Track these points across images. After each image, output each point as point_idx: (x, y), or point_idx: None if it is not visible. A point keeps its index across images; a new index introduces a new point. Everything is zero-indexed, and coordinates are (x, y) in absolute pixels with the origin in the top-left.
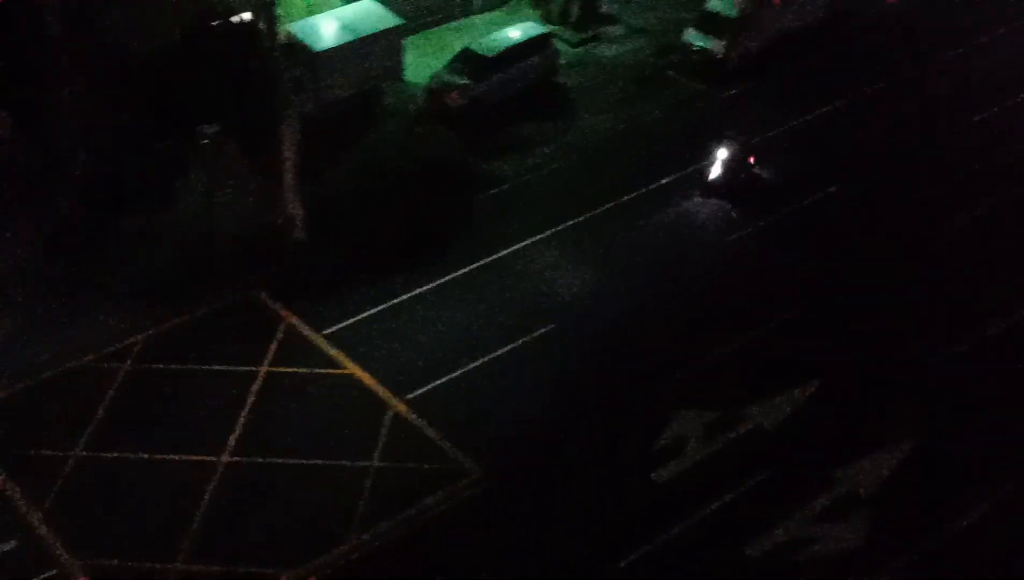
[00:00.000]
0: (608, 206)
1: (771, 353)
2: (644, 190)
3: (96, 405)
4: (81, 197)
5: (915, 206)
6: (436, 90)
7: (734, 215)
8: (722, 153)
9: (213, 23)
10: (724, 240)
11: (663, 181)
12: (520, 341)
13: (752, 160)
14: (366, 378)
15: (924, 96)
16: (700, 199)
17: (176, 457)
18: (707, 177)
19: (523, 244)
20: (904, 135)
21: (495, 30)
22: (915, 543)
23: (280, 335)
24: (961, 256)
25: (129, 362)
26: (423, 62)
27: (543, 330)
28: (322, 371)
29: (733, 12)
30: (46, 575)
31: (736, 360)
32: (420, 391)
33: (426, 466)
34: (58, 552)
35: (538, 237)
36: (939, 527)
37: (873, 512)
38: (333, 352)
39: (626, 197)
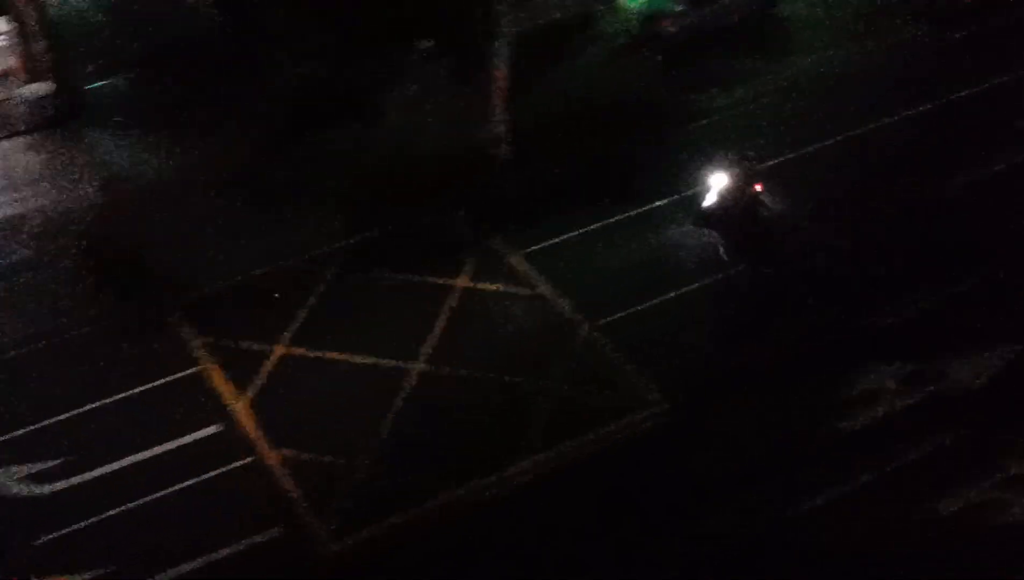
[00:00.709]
0: (814, 148)
1: (978, 310)
2: (855, 132)
3: (300, 304)
4: (294, 107)
5: None
6: (650, 15)
7: None
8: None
9: None
10: (933, 187)
11: (879, 122)
12: (714, 278)
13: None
14: (558, 300)
15: None
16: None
17: (371, 361)
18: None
19: None
20: None
21: None
22: None
23: (478, 252)
24: None
25: (333, 267)
26: None
27: (736, 269)
28: (516, 290)
29: None
30: (243, 462)
31: (939, 313)
32: (610, 318)
33: (610, 392)
34: (255, 440)
35: None
36: None
37: None
38: (528, 272)
39: (833, 140)
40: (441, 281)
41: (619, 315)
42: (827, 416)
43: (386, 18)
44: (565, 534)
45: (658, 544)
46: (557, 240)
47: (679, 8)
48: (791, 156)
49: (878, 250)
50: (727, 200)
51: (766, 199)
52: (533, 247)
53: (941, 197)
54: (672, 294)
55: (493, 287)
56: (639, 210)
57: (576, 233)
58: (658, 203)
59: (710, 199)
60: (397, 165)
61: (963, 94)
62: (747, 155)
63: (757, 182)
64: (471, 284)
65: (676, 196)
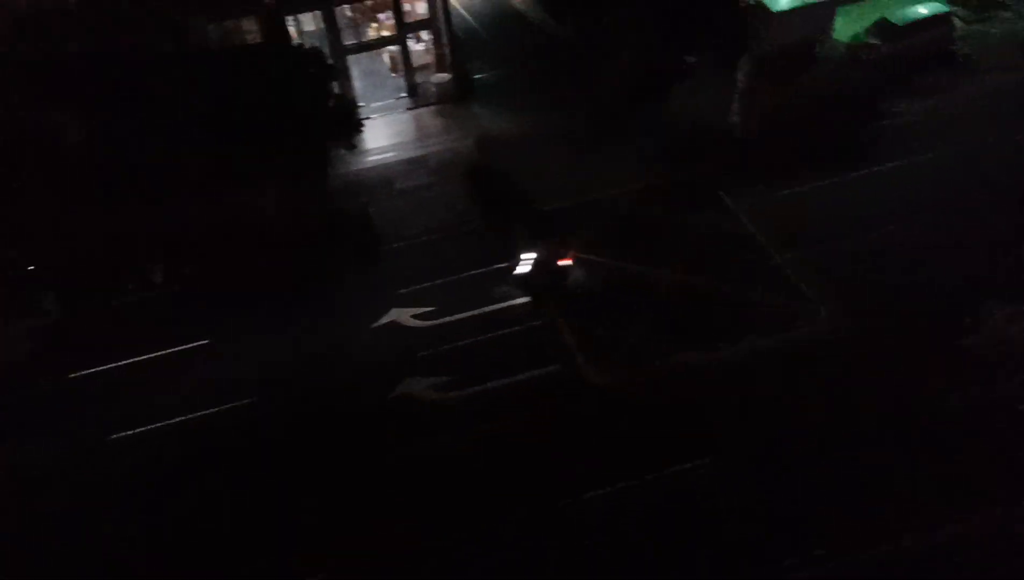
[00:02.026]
0: (984, 141)
1: None
2: (1019, 134)
3: (599, 223)
4: (618, 90)
5: None
6: (858, 47)
7: None
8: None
9: None
10: None
11: None
12: (883, 229)
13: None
14: (766, 237)
15: None
16: None
17: (636, 266)
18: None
19: (908, 161)
20: None
21: (908, 6)
22: None
23: (716, 201)
24: None
25: (624, 201)
26: (850, 25)
27: (898, 227)
28: (737, 229)
29: None
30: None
31: None
32: (804, 252)
33: (794, 306)
34: (555, 308)
35: (920, 158)
36: None
37: None
38: (747, 218)
39: (998, 137)
40: (689, 217)
41: (814, 248)
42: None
43: (679, 35)
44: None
45: None
46: (778, 194)
47: (874, 42)
48: (956, 150)
49: None
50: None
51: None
52: (754, 200)
53: None
54: (865, 236)
55: (715, 228)
56: (847, 176)
57: (792, 190)
58: (860, 172)
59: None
60: (674, 137)
61: None
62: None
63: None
64: (708, 221)
65: (873, 169)
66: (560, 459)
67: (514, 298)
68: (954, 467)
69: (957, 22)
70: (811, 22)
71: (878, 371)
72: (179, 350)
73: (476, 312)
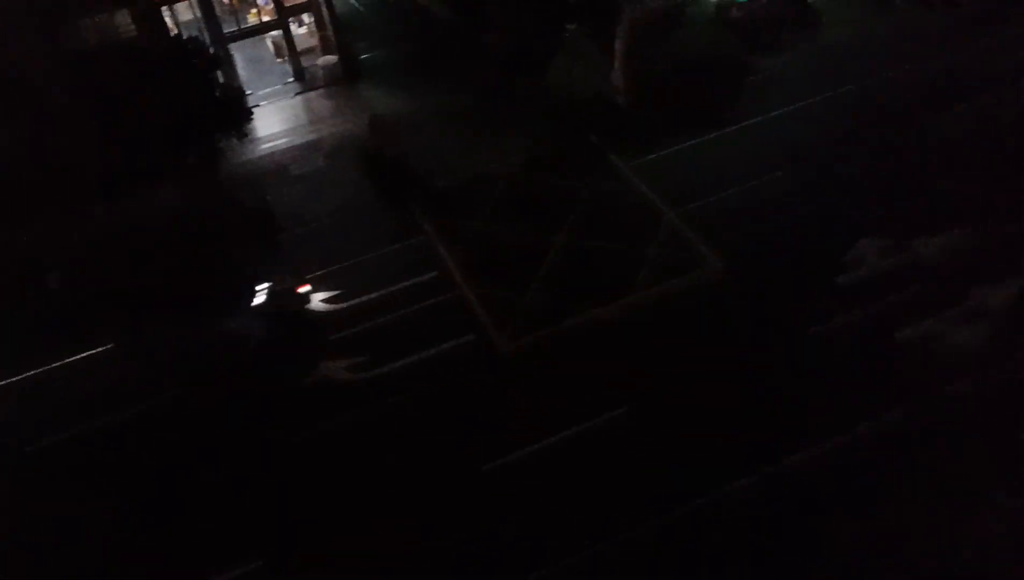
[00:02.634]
0: (838, 91)
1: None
2: (868, 83)
3: (493, 195)
4: (498, 65)
5: None
6: (723, 6)
7: None
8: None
9: None
10: (917, 124)
11: (882, 77)
12: (760, 179)
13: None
14: (653, 195)
15: None
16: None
17: (534, 233)
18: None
19: (774, 114)
20: None
21: None
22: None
23: (603, 164)
24: None
25: (516, 171)
26: None
27: (774, 176)
28: (625, 189)
29: None
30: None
31: (913, 205)
32: (690, 206)
33: (686, 256)
34: (457, 279)
35: (784, 110)
36: None
37: (997, 323)
38: (634, 177)
39: (852, 86)
40: (578, 183)
41: (696, 203)
42: (831, 274)
43: (551, 7)
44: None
45: None
46: (656, 155)
47: (738, 2)
48: (816, 99)
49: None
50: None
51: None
52: (639, 160)
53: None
54: (733, 189)
55: (611, 187)
56: (718, 133)
57: (669, 150)
58: (732, 128)
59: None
60: (557, 106)
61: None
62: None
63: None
64: (597, 185)
65: (743, 124)
66: (477, 426)
67: (420, 274)
68: (838, 386)
69: None
70: None
71: (765, 309)
72: (85, 356)
73: (384, 291)
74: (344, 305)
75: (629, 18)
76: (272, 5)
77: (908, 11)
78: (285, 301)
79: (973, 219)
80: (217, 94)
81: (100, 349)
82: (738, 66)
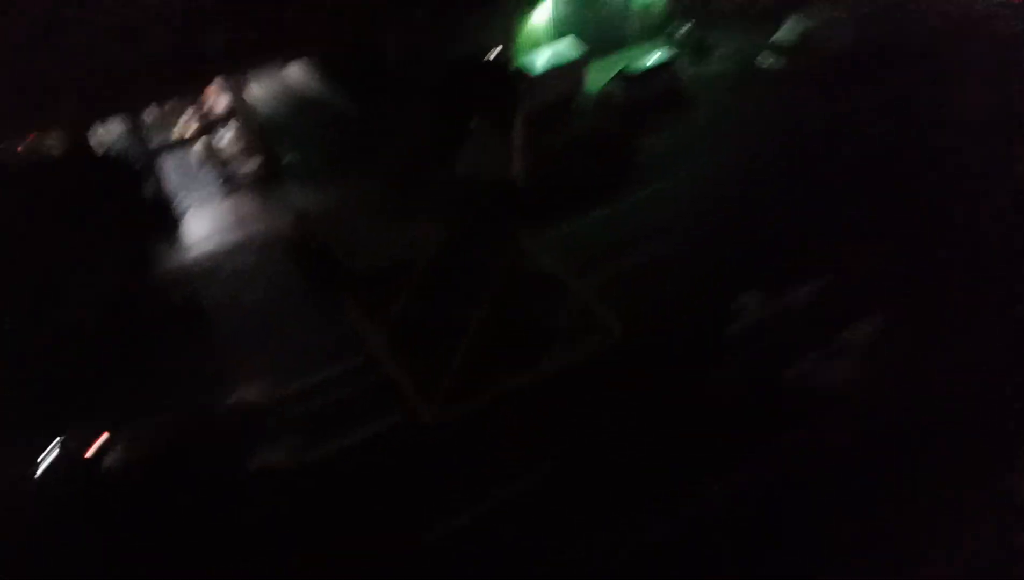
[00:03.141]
0: (712, 164)
1: (809, 254)
2: (736, 155)
3: (412, 278)
4: (410, 158)
5: None
6: (605, 96)
7: None
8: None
9: (478, 58)
10: (782, 186)
11: (748, 150)
12: (652, 245)
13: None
14: (558, 268)
15: None
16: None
17: (453, 311)
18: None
19: (658, 188)
20: None
21: (641, 57)
22: (882, 383)
23: (511, 243)
24: None
25: (432, 255)
26: (599, 78)
27: (663, 242)
28: (533, 264)
29: (796, 40)
30: (378, 377)
31: (785, 257)
32: (591, 276)
33: (591, 322)
34: (382, 359)
35: (666, 184)
36: (904, 370)
37: (857, 358)
38: (540, 253)
39: (722, 159)
40: (490, 260)
41: (595, 274)
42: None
43: (455, 104)
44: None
45: None
46: (560, 222)
47: (620, 88)
48: (693, 172)
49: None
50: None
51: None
52: (544, 238)
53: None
54: (633, 253)
55: (519, 262)
56: (608, 210)
57: (571, 218)
58: (627, 200)
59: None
60: (466, 192)
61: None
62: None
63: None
64: (507, 261)
65: (636, 196)
66: (412, 499)
67: (347, 358)
68: (732, 428)
69: (682, 66)
70: (566, 80)
71: (664, 364)
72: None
73: (313, 377)
74: (274, 394)
75: (525, 110)
76: (196, 117)
77: (764, 92)
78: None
79: (836, 265)
80: (144, 204)
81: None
82: (624, 146)
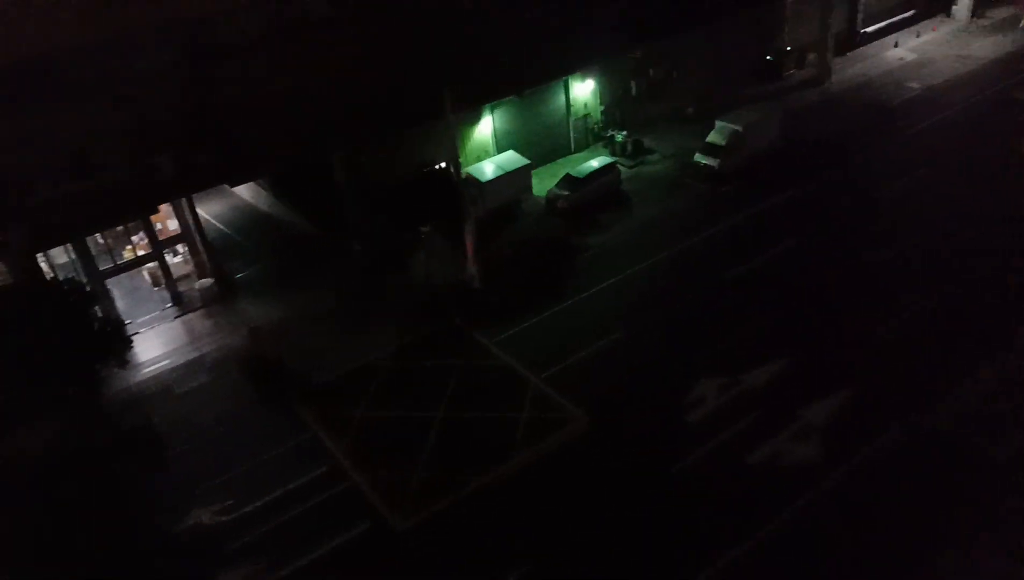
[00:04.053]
0: (653, 260)
1: (759, 338)
2: (677, 248)
3: (368, 388)
4: (361, 268)
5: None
6: (550, 199)
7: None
8: None
9: (426, 169)
10: (722, 275)
11: (687, 242)
12: (606, 339)
13: None
14: (518, 366)
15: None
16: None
17: (413, 414)
18: None
19: (605, 284)
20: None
21: (582, 162)
22: (853, 457)
23: (469, 343)
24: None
25: (390, 360)
26: (544, 183)
27: (619, 335)
28: (492, 362)
29: (723, 141)
30: (343, 486)
31: (738, 343)
32: (550, 371)
33: (555, 416)
34: (347, 469)
35: (615, 278)
36: (871, 444)
37: (825, 436)
38: (498, 351)
39: (664, 254)
40: (450, 362)
41: (555, 368)
42: (679, 411)
43: (407, 214)
44: (546, 506)
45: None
46: (515, 329)
47: (565, 193)
48: (639, 267)
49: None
50: None
51: None
52: (500, 336)
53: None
54: (585, 352)
55: (479, 362)
56: (561, 306)
57: (525, 324)
58: (572, 300)
59: None
60: (419, 297)
61: (732, 220)
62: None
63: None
64: (467, 362)
65: (582, 295)
66: None
67: (310, 471)
68: (703, 514)
69: (621, 168)
70: (513, 185)
71: (629, 454)
72: None
73: (276, 493)
74: (236, 514)
75: (474, 216)
76: (147, 240)
77: (697, 189)
78: None
79: (790, 347)
80: (96, 327)
81: None
82: (570, 247)
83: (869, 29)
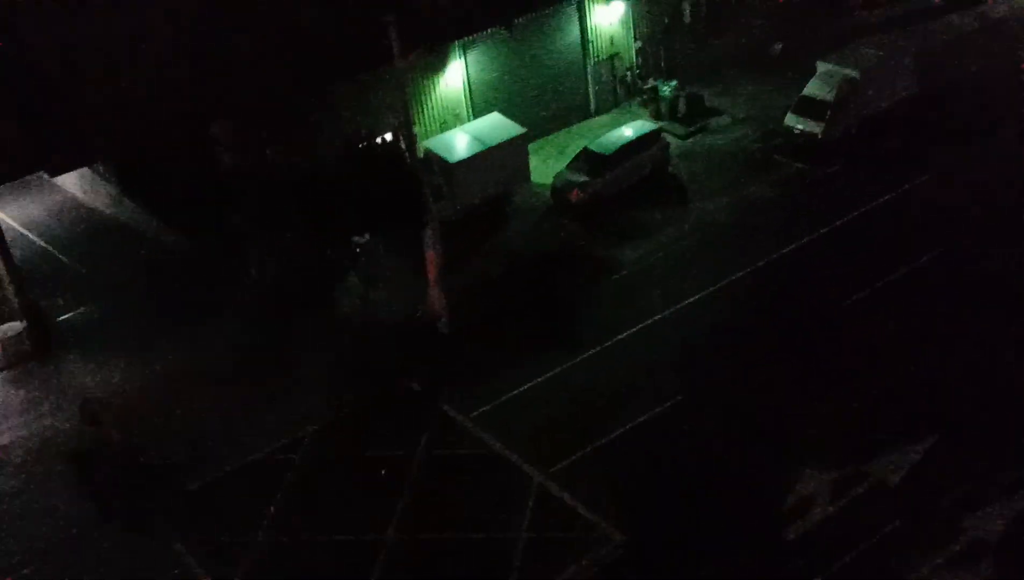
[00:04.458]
0: (722, 284)
1: (890, 407)
2: (759, 265)
3: (273, 494)
4: (259, 301)
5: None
6: (559, 188)
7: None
8: None
9: (360, 145)
10: (831, 307)
11: (775, 255)
12: (652, 412)
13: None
14: (511, 455)
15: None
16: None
17: (346, 538)
18: None
19: (648, 322)
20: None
21: (609, 130)
22: None
23: (432, 420)
24: None
25: (300, 453)
26: (547, 164)
27: (671, 402)
28: (471, 452)
29: (830, 95)
30: None
31: (857, 416)
32: (562, 464)
33: (571, 535)
34: None
35: (661, 315)
36: None
37: (1000, 558)
38: (480, 433)
39: (739, 274)
40: (402, 453)
41: (570, 459)
42: (771, 526)
43: (330, 218)
44: None
45: None
46: (504, 398)
47: (583, 178)
48: (699, 295)
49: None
50: None
51: None
52: (483, 408)
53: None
54: (616, 433)
55: (449, 453)
56: (576, 360)
57: (521, 389)
58: (593, 350)
59: None
60: (351, 348)
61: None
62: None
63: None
64: (429, 452)
65: (610, 342)
66: None
67: None
68: None
69: (669, 139)
70: (500, 168)
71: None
72: None
73: None
74: None
75: (439, 218)
76: None
77: (789, 170)
78: None
79: (941, 420)
80: None
81: None
82: (590, 265)
83: None
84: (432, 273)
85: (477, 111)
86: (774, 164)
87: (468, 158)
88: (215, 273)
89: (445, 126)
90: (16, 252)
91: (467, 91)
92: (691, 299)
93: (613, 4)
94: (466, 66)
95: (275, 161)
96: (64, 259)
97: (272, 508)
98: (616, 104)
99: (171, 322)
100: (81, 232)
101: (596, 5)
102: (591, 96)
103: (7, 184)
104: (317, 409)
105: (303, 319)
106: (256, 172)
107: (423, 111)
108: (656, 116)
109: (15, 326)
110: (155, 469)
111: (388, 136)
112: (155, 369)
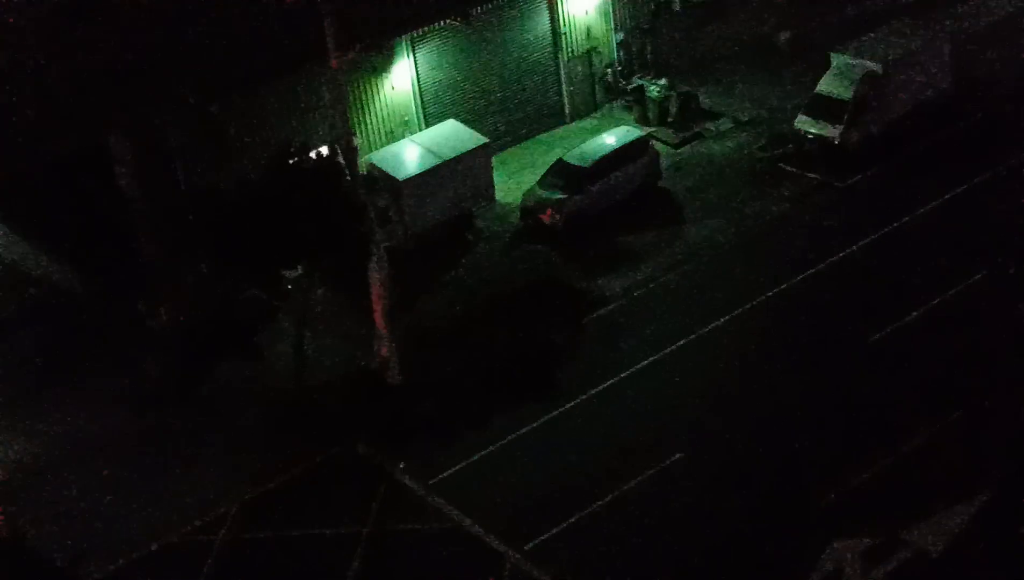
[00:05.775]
0: (724, 320)
1: (929, 466)
2: (769, 295)
3: (199, 573)
4: (167, 354)
5: None
6: (530, 208)
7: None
8: None
9: (289, 161)
10: (855, 343)
11: (786, 284)
12: (645, 475)
13: None
14: (477, 529)
15: None
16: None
17: None
18: None
19: (639, 366)
20: None
21: (588, 138)
22: None
23: (383, 489)
24: None
25: (224, 532)
26: (514, 180)
27: (670, 461)
28: (429, 526)
29: (847, 93)
30: None
31: (891, 477)
32: (537, 540)
33: None
34: None
35: (654, 358)
36: None
37: None
38: (440, 504)
39: (744, 307)
40: (346, 530)
41: (547, 534)
42: None
43: (253, 250)
44: None
45: None
46: (468, 461)
47: (557, 196)
48: (699, 332)
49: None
50: None
51: None
52: (442, 474)
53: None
54: (603, 501)
55: (404, 527)
56: (554, 414)
57: (487, 451)
58: (574, 402)
59: None
60: (284, 406)
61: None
62: None
63: None
64: (380, 527)
65: (593, 391)
66: None
67: None
68: None
69: (659, 147)
70: (458, 185)
71: None
72: None
73: None
74: None
75: (385, 246)
76: None
77: (802, 182)
78: None
79: (988, 475)
80: None
81: None
82: (568, 299)
83: None
84: (379, 312)
85: (430, 118)
86: (783, 175)
87: (420, 174)
88: (115, 318)
89: (392, 137)
90: None
91: (417, 95)
92: (688, 338)
93: None
94: (415, 65)
95: (186, 181)
96: None
97: None
98: (595, 107)
99: (62, 379)
100: None
101: None
102: (565, 98)
103: None
104: (242, 478)
105: (223, 371)
106: (163, 195)
107: (366, 119)
108: (643, 121)
109: None
110: (47, 563)
111: (323, 149)
112: (44, 438)
